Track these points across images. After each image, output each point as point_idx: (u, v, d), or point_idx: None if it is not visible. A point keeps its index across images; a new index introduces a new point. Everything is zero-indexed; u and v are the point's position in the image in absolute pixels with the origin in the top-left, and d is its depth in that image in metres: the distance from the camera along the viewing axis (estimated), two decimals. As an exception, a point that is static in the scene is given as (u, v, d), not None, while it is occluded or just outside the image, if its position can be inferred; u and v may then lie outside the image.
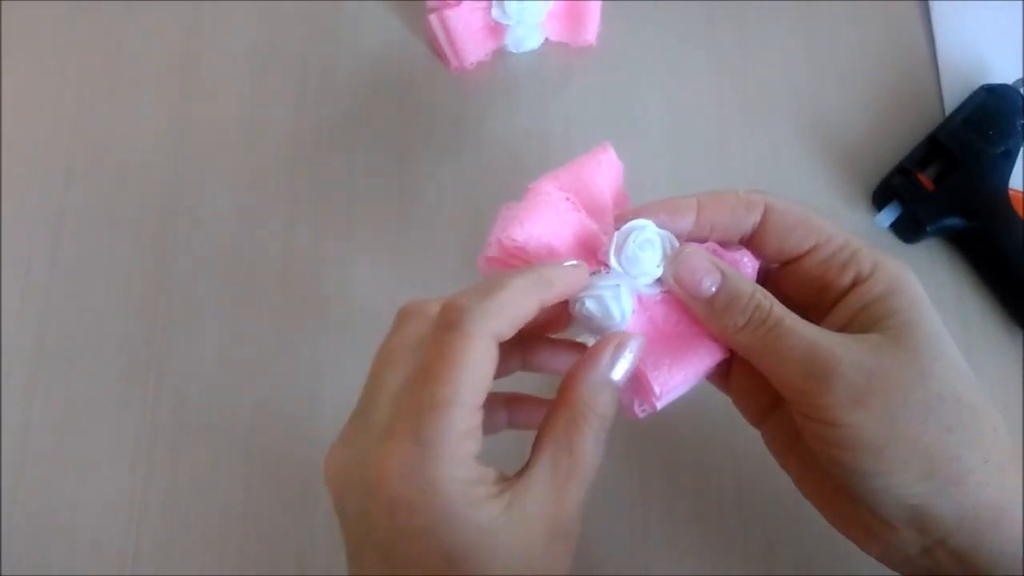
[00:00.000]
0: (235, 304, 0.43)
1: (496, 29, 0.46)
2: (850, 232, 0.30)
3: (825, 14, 0.50)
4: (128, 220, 0.45)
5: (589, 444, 0.26)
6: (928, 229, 0.43)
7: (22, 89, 0.48)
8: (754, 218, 0.30)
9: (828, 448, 0.27)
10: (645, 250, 0.29)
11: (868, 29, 0.50)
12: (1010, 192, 0.43)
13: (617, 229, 0.30)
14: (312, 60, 0.49)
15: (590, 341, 0.30)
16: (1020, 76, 0.46)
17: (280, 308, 0.43)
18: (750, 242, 0.31)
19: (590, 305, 0.29)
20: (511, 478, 0.26)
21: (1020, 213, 0.42)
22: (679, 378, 0.28)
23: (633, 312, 0.29)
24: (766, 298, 0.28)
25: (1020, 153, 0.44)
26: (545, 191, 0.30)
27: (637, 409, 0.29)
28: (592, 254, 0.30)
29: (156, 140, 0.47)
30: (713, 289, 0.29)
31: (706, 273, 0.29)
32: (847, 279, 0.29)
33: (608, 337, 0.28)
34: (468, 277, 0.44)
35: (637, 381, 0.29)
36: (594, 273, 0.30)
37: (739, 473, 0.40)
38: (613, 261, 0.29)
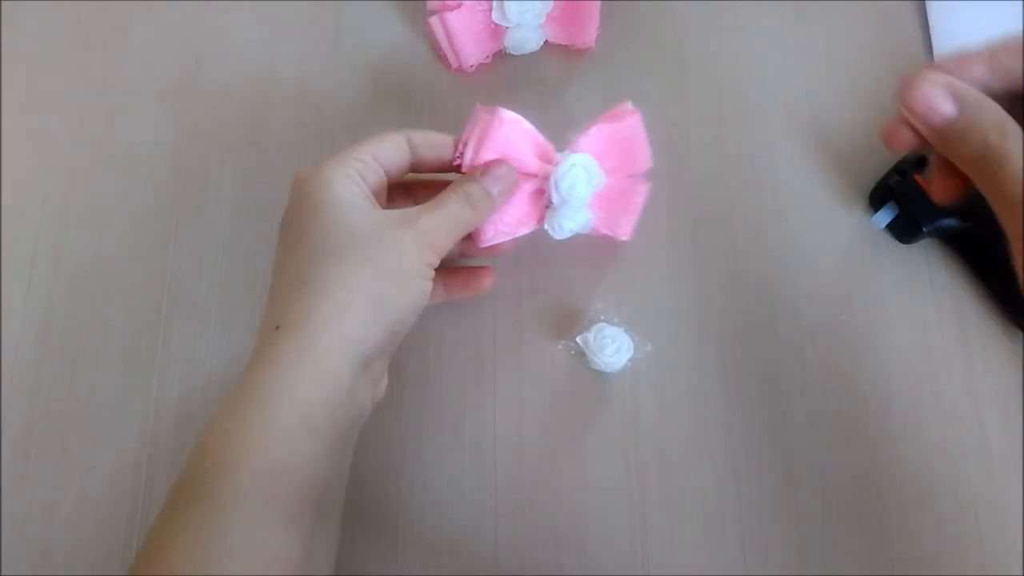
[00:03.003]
0: (237, 302, 0.44)
1: (496, 31, 0.46)
2: None
3: (822, 15, 0.50)
4: (131, 219, 0.45)
5: (452, 200, 0.36)
6: (924, 230, 0.43)
7: (23, 88, 0.48)
8: None
9: None
10: (578, 179, 0.38)
11: (865, 30, 0.50)
12: (1006, 193, 0.43)
13: None
14: (314, 61, 0.49)
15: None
16: (1016, 78, 0.46)
17: (282, 309, 0.43)
18: None
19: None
20: None
21: (1016, 214, 0.43)
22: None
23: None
24: (1002, 136, 0.27)
25: (1016, 154, 0.44)
26: (499, 118, 0.37)
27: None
28: (548, 160, 0.39)
29: (158, 140, 0.47)
30: (949, 110, 0.27)
31: (940, 102, 0.27)
32: None
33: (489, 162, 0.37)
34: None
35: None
36: None
37: (738, 472, 0.41)
38: (553, 188, 0.38)
